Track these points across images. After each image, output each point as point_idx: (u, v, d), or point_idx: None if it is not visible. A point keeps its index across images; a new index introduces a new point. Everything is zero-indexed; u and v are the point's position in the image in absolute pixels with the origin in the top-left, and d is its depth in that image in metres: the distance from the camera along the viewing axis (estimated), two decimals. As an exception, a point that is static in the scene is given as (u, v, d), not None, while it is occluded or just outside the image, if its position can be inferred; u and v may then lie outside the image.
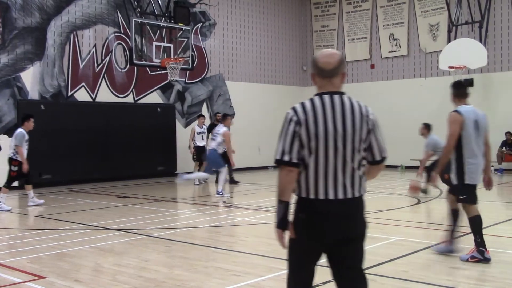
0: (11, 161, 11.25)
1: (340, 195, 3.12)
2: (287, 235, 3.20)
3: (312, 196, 3.13)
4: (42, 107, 15.29)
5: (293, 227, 3.18)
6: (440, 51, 18.50)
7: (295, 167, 3.11)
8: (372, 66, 21.42)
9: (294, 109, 3.17)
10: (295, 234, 3.18)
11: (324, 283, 5.38)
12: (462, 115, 6.10)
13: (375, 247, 7.12)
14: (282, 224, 3.16)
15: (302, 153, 3.12)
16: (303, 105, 3.16)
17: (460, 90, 6.42)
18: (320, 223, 3.11)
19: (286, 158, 3.10)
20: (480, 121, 6.24)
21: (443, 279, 5.52)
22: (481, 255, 6.09)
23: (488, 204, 11.98)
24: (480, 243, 6.11)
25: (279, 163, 3.13)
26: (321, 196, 3.11)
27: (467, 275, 5.70)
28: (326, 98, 3.16)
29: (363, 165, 3.21)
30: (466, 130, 6.08)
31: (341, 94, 3.19)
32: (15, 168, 11.13)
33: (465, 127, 6.08)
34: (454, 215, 6.64)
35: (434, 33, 19.85)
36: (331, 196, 3.11)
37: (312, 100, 3.17)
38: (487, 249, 6.16)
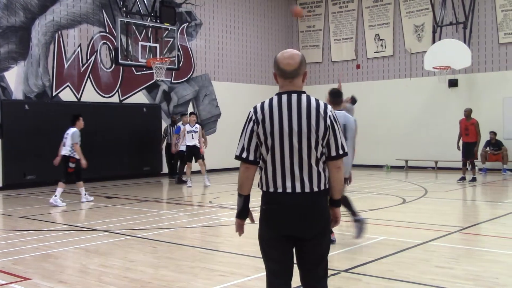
0: (68, 158, 11.89)
1: (298, 189, 3.24)
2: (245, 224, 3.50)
3: (271, 189, 3.28)
4: (27, 107, 15.17)
5: (260, 219, 3.37)
6: (425, 51, 18.63)
7: (251, 164, 3.30)
8: (358, 67, 21.51)
9: (254, 108, 3.33)
10: (260, 224, 3.37)
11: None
12: None
13: (361, 246, 7.16)
14: (241, 215, 3.46)
15: (260, 150, 3.29)
16: (262, 104, 3.29)
17: (337, 98, 7.22)
18: (279, 213, 3.27)
19: (244, 155, 3.29)
20: (348, 126, 6.87)
21: (428, 278, 5.56)
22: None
23: (472, 203, 12.10)
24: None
25: (238, 160, 3.33)
26: (280, 189, 3.26)
27: (452, 274, 5.74)
28: (284, 97, 3.27)
29: (322, 161, 3.29)
30: None
31: (300, 93, 3.28)
32: (72, 165, 11.90)
33: None
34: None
35: (419, 34, 19.99)
36: (288, 189, 3.24)
37: (271, 99, 3.29)
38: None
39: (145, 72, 17.47)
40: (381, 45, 20.93)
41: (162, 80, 17.46)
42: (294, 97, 3.26)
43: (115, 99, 17.42)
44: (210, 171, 15.28)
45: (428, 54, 18.22)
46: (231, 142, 19.06)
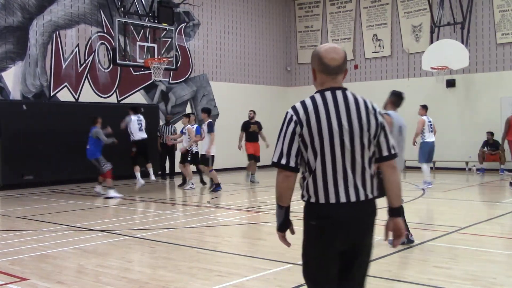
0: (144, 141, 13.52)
1: (353, 197, 2.92)
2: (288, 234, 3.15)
3: (322, 200, 2.92)
4: (24, 107, 15.14)
5: (307, 237, 3.03)
6: (423, 52, 18.65)
7: (292, 172, 2.93)
8: (356, 67, 21.52)
9: (293, 108, 2.96)
10: (308, 242, 3.02)
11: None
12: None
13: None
14: (282, 227, 3.09)
15: (305, 155, 2.93)
16: (303, 103, 2.95)
17: (399, 100, 7.59)
18: (334, 229, 2.91)
19: (283, 161, 2.92)
20: (403, 127, 7.10)
21: (426, 278, 5.56)
22: None
23: (470, 203, 12.11)
24: None
25: (276, 167, 2.96)
26: (332, 199, 2.91)
27: (450, 274, 5.75)
28: (328, 94, 2.97)
29: (373, 163, 3.02)
30: None
31: (344, 89, 3.03)
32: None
33: None
34: None
35: (417, 34, 20.01)
36: (343, 198, 2.90)
37: (313, 98, 2.97)
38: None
39: (143, 72, 17.46)
40: (379, 46, 20.94)
41: (160, 80, 17.45)
42: (339, 93, 2.98)
43: (113, 99, 17.41)
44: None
45: (426, 54, 18.24)
46: (229, 142, 19.08)
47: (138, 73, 17.77)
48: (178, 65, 17.55)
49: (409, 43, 20.15)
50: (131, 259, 6.68)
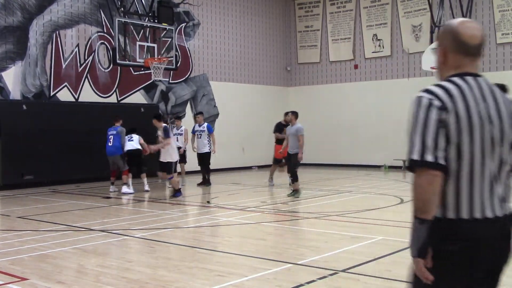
0: (138, 152, 13.57)
1: (498, 211, 2.32)
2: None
3: (465, 215, 2.27)
4: (24, 107, 15.14)
5: (438, 265, 2.29)
6: (423, 51, 18.63)
7: (441, 171, 2.24)
8: (356, 67, 21.52)
9: (428, 91, 2.33)
10: (440, 273, 2.28)
11: (308, 282, 5.40)
12: None
13: (359, 246, 7.16)
14: (423, 251, 2.27)
15: (447, 152, 2.28)
16: (441, 86, 2.33)
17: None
18: (479, 254, 2.27)
19: (429, 157, 2.23)
20: None
21: (425, 278, 5.56)
22: None
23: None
24: None
25: (418, 165, 2.26)
26: (477, 213, 2.28)
27: (450, 274, 5.74)
28: (471, 80, 2.36)
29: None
30: None
31: (481, 76, 2.43)
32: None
33: None
34: None
35: (417, 34, 20.01)
36: (489, 213, 2.30)
37: (452, 81, 2.35)
38: None
39: (143, 72, 17.46)
40: (379, 45, 20.94)
41: (160, 80, 17.44)
42: (481, 81, 2.38)
43: (113, 99, 17.41)
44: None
45: (426, 54, 18.21)
46: (229, 142, 19.09)
47: (138, 73, 17.77)
48: (178, 65, 17.54)
49: (409, 43, 20.15)
50: (131, 259, 6.68)
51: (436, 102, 2.26)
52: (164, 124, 13.10)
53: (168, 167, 12.78)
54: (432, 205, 2.23)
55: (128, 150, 13.56)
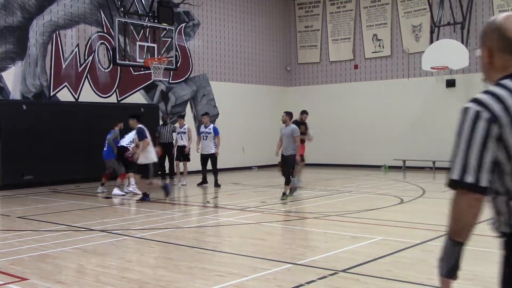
0: (124, 149, 12.96)
1: None
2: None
3: None
4: (24, 107, 15.14)
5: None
6: (423, 51, 18.65)
7: (483, 194, 2.09)
8: (356, 67, 21.53)
9: (477, 101, 2.09)
10: None
11: (308, 282, 5.40)
12: None
13: (359, 246, 7.16)
14: (453, 272, 2.21)
15: (506, 168, 2.09)
16: (492, 93, 2.09)
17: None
18: None
19: (470, 179, 2.07)
20: None
21: (425, 278, 5.56)
22: None
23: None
24: None
25: (458, 186, 2.12)
26: None
27: (450, 274, 5.74)
28: None
29: None
30: None
31: None
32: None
33: None
34: None
35: (416, 34, 20.01)
36: None
37: (505, 86, 2.11)
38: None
39: (143, 72, 17.46)
40: (379, 45, 20.94)
41: (160, 80, 17.44)
42: None
43: (113, 99, 17.41)
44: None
45: (425, 54, 18.24)
46: (229, 142, 19.07)
47: (138, 73, 17.77)
48: (178, 65, 17.55)
49: (409, 43, 20.15)
50: (131, 259, 6.68)
51: (485, 114, 2.04)
52: (139, 125, 12.18)
53: (146, 170, 11.87)
54: (468, 228, 2.14)
55: (118, 147, 13.41)
